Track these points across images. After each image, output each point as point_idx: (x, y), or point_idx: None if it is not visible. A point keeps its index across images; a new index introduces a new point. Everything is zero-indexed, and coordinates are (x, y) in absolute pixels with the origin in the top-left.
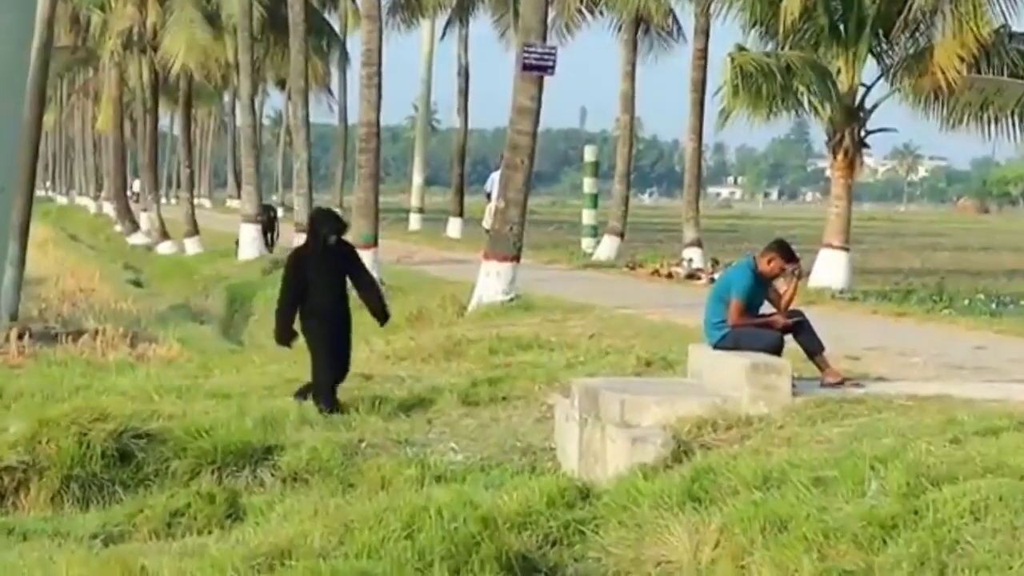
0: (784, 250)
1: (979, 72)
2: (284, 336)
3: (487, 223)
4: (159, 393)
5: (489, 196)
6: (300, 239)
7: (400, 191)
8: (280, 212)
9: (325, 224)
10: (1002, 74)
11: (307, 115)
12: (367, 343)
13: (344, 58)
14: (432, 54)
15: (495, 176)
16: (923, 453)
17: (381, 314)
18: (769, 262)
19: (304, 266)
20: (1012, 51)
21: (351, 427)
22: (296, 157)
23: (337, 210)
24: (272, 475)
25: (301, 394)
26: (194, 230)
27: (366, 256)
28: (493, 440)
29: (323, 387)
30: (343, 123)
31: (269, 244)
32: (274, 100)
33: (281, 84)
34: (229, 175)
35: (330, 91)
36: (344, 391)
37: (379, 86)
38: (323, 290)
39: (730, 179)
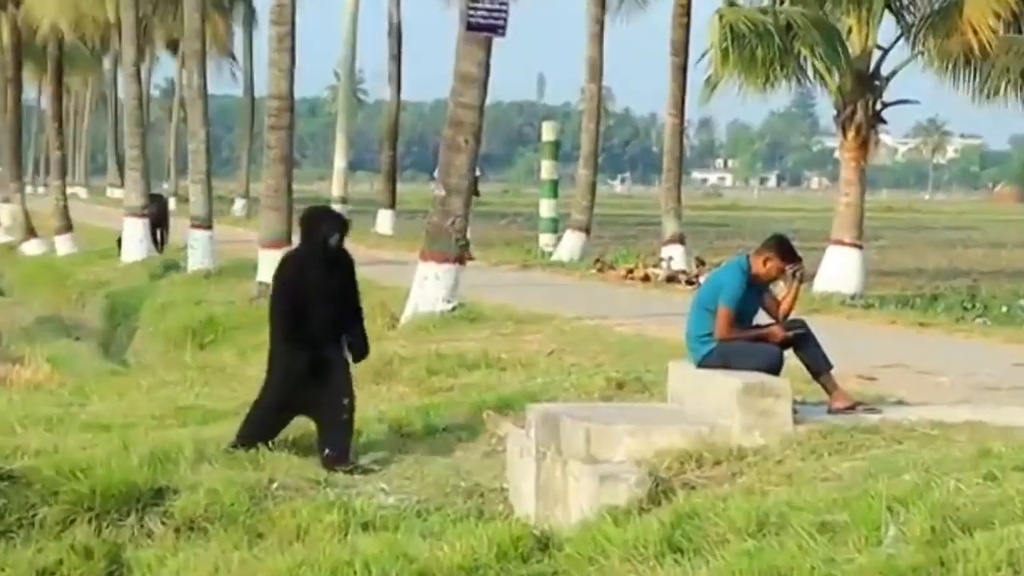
0: (783, 248)
1: (1019, 32)
2: (311, 358)
3: None
4: (24, 424)
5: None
6: (197, 237)
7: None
8: (172, 204)
9: (324, 222)
10: None
11: (205, 85)
12: None
13: (250, 16)
14: (357, 10)
15: None
16: (951, 492)
17: (360, 351)
18: (765, 263)
19: (300, 277)
20: None
21: (259, 465)
22: (192, 136)
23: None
24: (163, 524)
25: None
26: (67, 226)
27: (275, 258)
28: (432, 479)
29: (250, 425)
30: (249, 95)
31: (159, 243)
32: (165, 67)
33: (173, 47)
34: (110, 159)
35: (233, 56)
36: None
37: (292, 49)
38: (323, 310)
39: (719, 162)
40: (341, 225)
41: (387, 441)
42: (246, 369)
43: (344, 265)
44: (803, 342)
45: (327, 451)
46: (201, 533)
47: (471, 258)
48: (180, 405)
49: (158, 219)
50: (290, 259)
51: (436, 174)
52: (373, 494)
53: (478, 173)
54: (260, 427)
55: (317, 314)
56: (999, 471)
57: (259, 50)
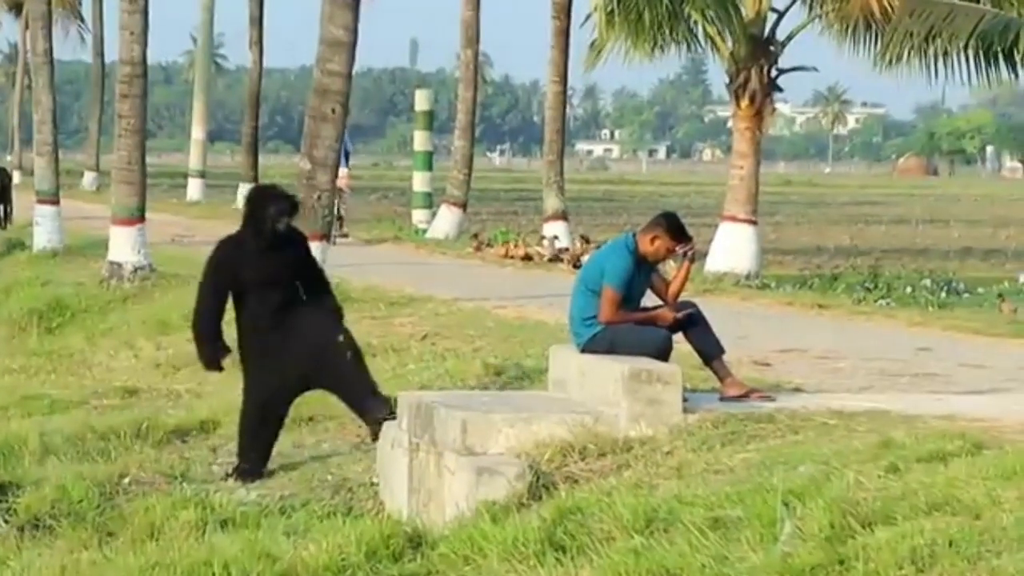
0: (672, 226)
1: None
2: (210, 356)
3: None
4: None
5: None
6: (43, 213)
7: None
8: (17, 177)
9: (272, 203)
10: None
11: (51, 49)
12: (131, 347)
13: None
14: None
15: None
16: (851, 486)
17: (339, 317)
18: (652, 241)
19: (238, 262)
20: None
21: (110, 458)
22: (37, 105)
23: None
24: (5, 522)
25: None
26: None
27: (127, 235)
28: (297, 473)
29: (246, 435)
30: (99, 60)
31: (2, 219)
32: (7, 29)
33: (16, 8)
34: None
35: (81, 18)
36: (101, 411)
37: (145, 11)
38: (267, 295)
39: (605, 133)
40: (291, 207)
41: None
42: (96, 355)
43: (294, 244)
44: (694, 325)
45: (369, 411)
46: (47, 532)
47: (345, 235)
48: (24, 394)
49: (0, 194)
50: (219, 246)
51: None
52: (233, 489)
53: (349, 148)
54: (254, 416)
55: (261, 297)
56: (902, 463)
57: (110, 12)
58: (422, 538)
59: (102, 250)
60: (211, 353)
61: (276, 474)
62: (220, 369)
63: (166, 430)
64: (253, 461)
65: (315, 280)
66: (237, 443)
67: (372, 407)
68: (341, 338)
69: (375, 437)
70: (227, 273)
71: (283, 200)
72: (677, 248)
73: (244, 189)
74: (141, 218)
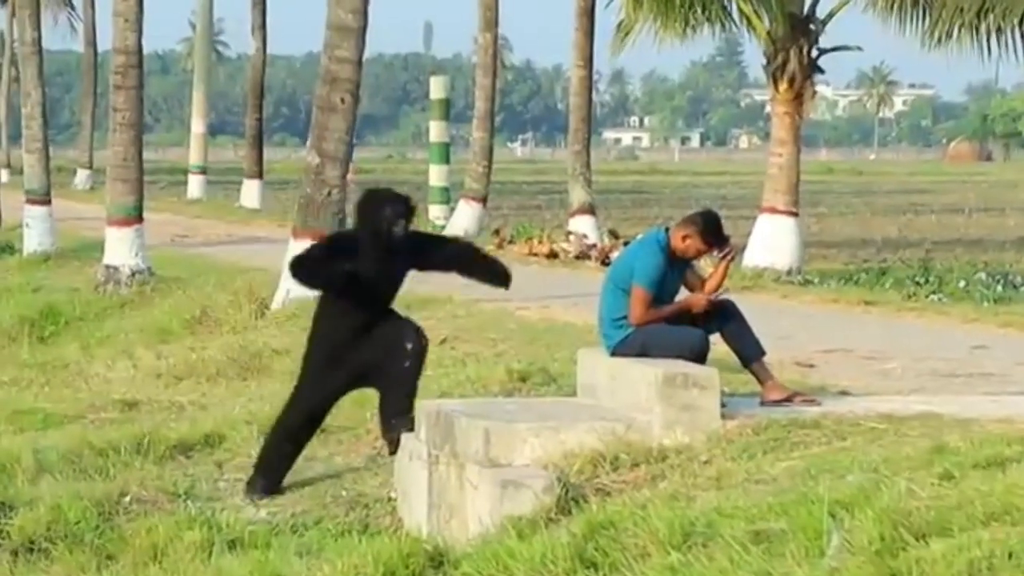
0: (708, 228)
1: None
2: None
3: None
4: None
5: None
6: (34, 214)
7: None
8: (4, 176)
9: (387, 205)
10: None
11: (39, 38)
12: (129, 357)
13: None
14: None
15: None
16: (903, 495)
17: (501, 278)
18: (684, 239)
19: (353, 254)
20: None
21: (109, 476)
22: (25, 98)
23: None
24: None
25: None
26: None
27: (124, 236)
28: (309, 488)
29: (278, 445)
30: (91, 49)
31: None
32: None
33: None
34: None
35: (72, 5)
36: (98, 426)
37: None
38: (362, 304)
39: (634, 120)
40: (408, 211)
41: (256, 446)
42: (92, 365)
43: (413, 252)
44: (730, 319)
45: (393, 428)
46: (43, 555)
47: None
48: (16, 409)
49: None
50: (344, 237)
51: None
52: (241, 507)
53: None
54: (294, 425)
55: (354, 306)
56: (957, 469)
57: None
58: (443, 556)
59: (97, 253)
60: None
61: (287, 490)
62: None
63: (168, 445)
64: (276, 474)
65: (461, 255)
66: (262, 454)
67: (397, 425)
68: (410, 346)
69: (392, 451)
70: (344, 255)
71: (399, 202)
72: (712, 251)
73: (248, 185)
74: (138, 218)
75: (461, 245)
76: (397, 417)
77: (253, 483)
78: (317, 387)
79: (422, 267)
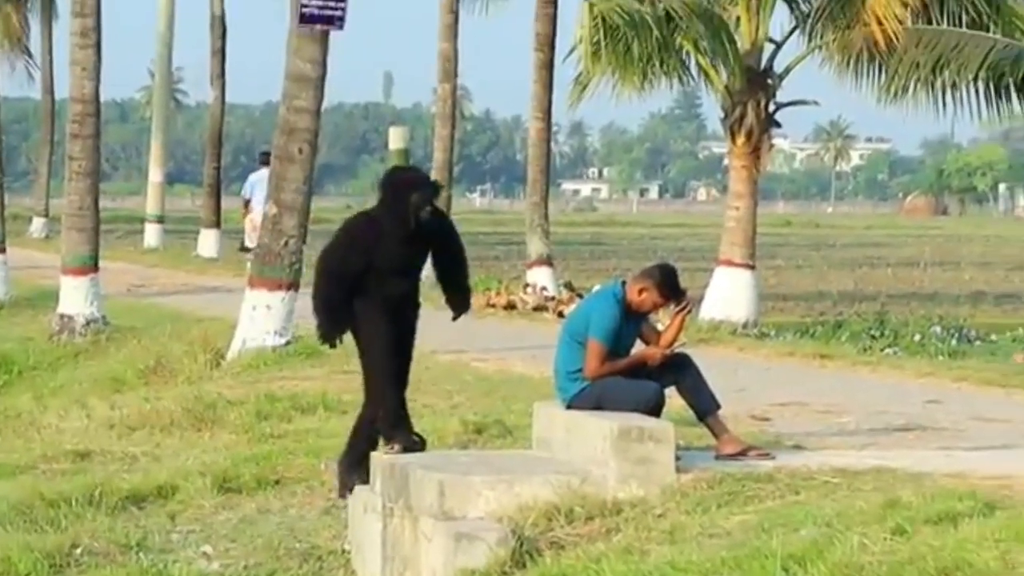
0: (665, 283)
1: (929, 22)
2: (333, 328)
3: (249, 241)
4: None
5: (248, 204)
6: None
7: (132, 192)
8: None
9: (414, 190)
10: (960, 24)
11: None
12: (83, 407)
13: (49, 5)
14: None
15: (258, 177)
16: (855, 549)
17: (460, 307)
18: (640, 292)
19: (373, 244)
20: None
21: (60, 527)
22: None
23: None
24: None
25: (357, 447)
26: None
27: (79, 285)
28: (262, 540)
29: (392, 411)
30: (49, 97)
31: None
32: None
33: None
34: None
35: (29, 52)
36: (50, 477)
37: (98, 44)
38: (395, 281)
39: (592, 171)
40: (434, 192)
41: (210, 497)
42: (45, 415)
43: (436, 231)
44: (686, 372)
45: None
46: None
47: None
48: None
49: None
50: (357, 219)
51: (244, 192)
52: (193, 559)
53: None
54: (392, 389)
55: (388, 281)
56: (909, 524)
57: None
58: None
59: (52, 302)
60: (332, 326)
61: (239, 541)
62: (333, 345)
63: (121, 496)
64: (396, 413)
65: (460, 261)
66: (380, 412)
67: (394, 436)
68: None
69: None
70: (360, 251)
71: (427, 186)
72: (668, 305)
73: (205, 235)
74: (94, 267)
75: (463, 256)
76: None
77: (386, 435)
78: (381, 330)
79: (434, 254)
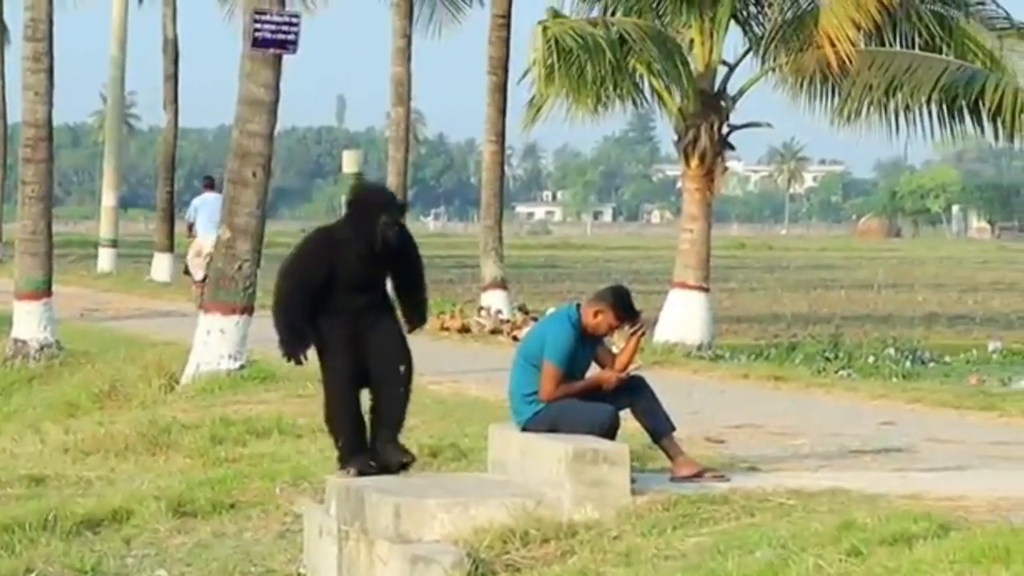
0: (619, 304)
1: (882, 44)
2: (296, 344)
3: (193, 266)
4: None
5: (192, 228)
6: None
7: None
8: None
9: (383, 211)
10: (913, 47)
11: None
12: (36, 431)
13: (1, 31)
14: (125, 23)
15: (201, 201)
16: (810, 571)
17: (417, 321)
18: (596, 315)
19: (335, 258)
20: (926, 14)
21: (15, 553)
22: None
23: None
24: None
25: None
26: None
27: (32, 310)
28: (217, 564)
29: (348, 441)
30: (2, 121)
31: None
32: None
33: None
34: None
35: None
36: (4, 502)
37: (50, 69)
38: (356, 296)
39: (546, 194)
40: (401, 212)
41: (165, 521)
42: None
43: (398, 247)
44: (640, 395)
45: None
46: None
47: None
48: None
49: None
50: (320, 233)
51: (187, 216)
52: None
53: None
54: (347, 415)
55: (345, 300)
56: (864, 545)
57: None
58: None
59: (5, 327)
60: (295, 342)
61: (194, 565)
62: (299, 362)
63: (75, 520)
64: (354, 439)
65: (417, 277)
66: (332, 434)
67: (385, 452)
68: (402, 369)
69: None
70: (322, 265)
71: (394, 208)
72: (623, 327)
73: (159, 259)
74: (47, 291)
75: (422, 271)
76: (383, 447)
77: (340, 459)
78: (342, 357)
79: (394, 271)
